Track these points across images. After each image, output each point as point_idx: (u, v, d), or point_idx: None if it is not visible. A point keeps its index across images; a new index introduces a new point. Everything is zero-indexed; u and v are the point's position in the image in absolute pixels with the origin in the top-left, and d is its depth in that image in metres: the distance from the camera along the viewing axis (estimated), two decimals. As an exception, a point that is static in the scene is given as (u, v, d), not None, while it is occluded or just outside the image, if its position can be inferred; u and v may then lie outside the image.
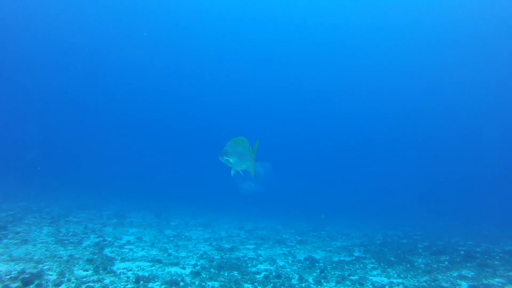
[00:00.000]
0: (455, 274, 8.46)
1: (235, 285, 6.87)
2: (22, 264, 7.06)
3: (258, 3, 37.30)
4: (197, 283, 6.84)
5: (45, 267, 6.93)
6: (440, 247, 11.63)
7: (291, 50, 41.37)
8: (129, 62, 42.00)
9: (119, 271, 7.17)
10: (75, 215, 13.77)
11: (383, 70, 40.70)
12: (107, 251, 8.78)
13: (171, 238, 11.33)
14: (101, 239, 10.10)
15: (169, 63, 43.31)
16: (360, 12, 36.21)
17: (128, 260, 8.14)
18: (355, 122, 43.72)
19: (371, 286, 7.35)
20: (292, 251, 10.62)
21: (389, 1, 34.89)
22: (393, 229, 16.32)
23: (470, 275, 8.35)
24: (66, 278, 6.38)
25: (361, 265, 9.13)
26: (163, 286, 6.50)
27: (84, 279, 6.43)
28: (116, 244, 9.75)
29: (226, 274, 7.60)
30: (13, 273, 6.41)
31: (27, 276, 6.21)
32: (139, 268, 7.57)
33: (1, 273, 6.40)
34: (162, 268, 7.73)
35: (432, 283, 7.61)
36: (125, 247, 9.52)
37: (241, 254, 9.73)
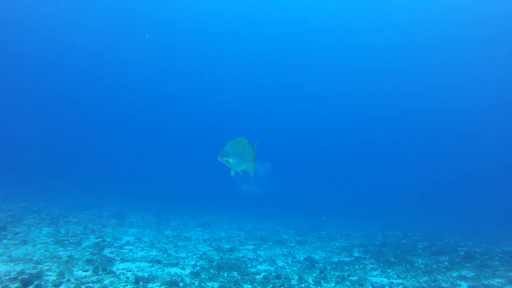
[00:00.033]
0: (454, 274, 8.46)
1: (234, 285, 6.87)
2: (21, 264, 7.05)
3: (258, 3, 37.30)
4: (196, 283, 6.84)
5: (44, 268, 6.93)
6: (440, 248, 11.63)
7: (291, 50, 41.38)
8: (129, 62, 42.02)
9: (119, 271, 7.17)
10: (75, 215, 13.77)
11: (383, 70, 40.72)
12: (106, 252, 8.77)
13: (171, 239, 11.33)
14: (101, 239, 10.09)
15: (169, 63, 43.33)
16: (360, 12, 36.23)
17: (128, 261, 8.14)
18: (355, 122, 43.74)
19: (370, 287, 7.34)
20: (291, 252, 10.61)
21: (389, 1, 34.90)
22: (392, 230, 16.31)
23: (470, 276, 8.35)
24: (65, 279, 6.38)
25: (361, 266, 9.12)
26: (162, 287, 6.49)
27: (84, 280, 6.42)
28: (115, 244, 9.75)
29: (225, 274, 7.59)
30: (12, 273, 6.40)
31: (26, 276, 6.20)
32: (138, 268, 7.56)
33: (1, 273, 6.39)
34: (162, 268, 7.73)
35: (432, 284, 7.61)
36: (125, 247, 9.52)
37: (240, 255, 9.73)
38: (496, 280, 8.03)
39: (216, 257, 9.18)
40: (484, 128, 36.91)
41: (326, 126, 44.39)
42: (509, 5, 31.25)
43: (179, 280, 6.91)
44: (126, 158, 36.24)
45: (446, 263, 9.64)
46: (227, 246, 10.71)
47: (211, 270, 7.84)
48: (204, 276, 7.34)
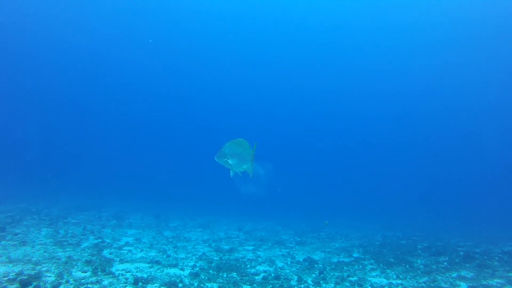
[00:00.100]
0: (454, 274, 8.45)
1: (233, 286, 6.86)
2: (20, 265, 7.05)
3: (258, 3, 37.31)
4: (196, 284, 6.83)
5: (43, 269, 6.92)
6: (440, 248, 11.62)
7: (292, 51, 41.38)
8: (129, 62, 42.01)
9: (118, 272, 7.17)
10: (74, 216, 13.77)
11: (383, 70, 40.71)
12: (105, 253, 8.77)
13: (170, 239, 11.32)
14: (100, 240, 10.09)
15: (169, 63, 43.30)
16: (360, 12, 36.22)
17: (127, 262, 8.13)
18: (355, 122, 43.72)
19: (370, 287, 7.34)
20: (291, 252, 10.61)
21: (389, 1, 34.90)
22: (392, 230, 16.31)
23: (469, 276, 8.34)
24: (64, 280, 6.37)
25: (360, 266, 9.12)
26: (161, 288, 6.49)
27: (83, 281, 6.42)
28: (115, 245, 9.74)
29: (225, 275, 7.59)
30: (11, 274, 6.40)
31: (25, 277, 6.20)
32: (137, 269, 7.56)
33: (-1, 274, 6.39)
34: (161, 269, 7.72)
35: (431, 284, 7.60)
36: (124, 248, 9.51)
37: (240, 255, 9.72)
38: (495, 280, 8.03)
39: (216, 258, 9.18)
40: (484, 128, 36.91)
41: (325, 127, 44.38)
42: (509, 5, 31.26)
43: (178, 281, 6.91)
44: (126, 158, 36.23)
45: (445, 263, 9.63)
46: (226, 247, 10.71)
47: (210, 271, 7.84)
48: (203, 277, 7.33)
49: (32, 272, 6.60)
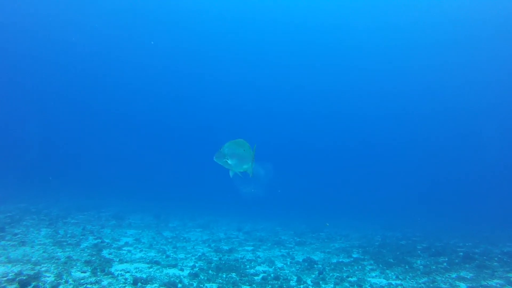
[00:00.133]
0: (453, 275, 8.45)
1: (233, 286, 6.86)
2: (19, 265, 7.05)
3: (258, 3, 37.31)
4: (195, 284, 6.83)
5: (42, 269, 6.92)
6: (439, 248, 11.62)
7: (292, 51, 41.38)
8: (129, 62, 42.02)
9: (117, 272, 7.17)
10: (74, 216, 13.76)
11: (383, 70, 40.70)
12: (105, 253, 8.76)
13: (170, 240, 11.32)
14: (99, 240, 10.09)
15: (169, 63, 43.30)
16: (360, 12, 36.22)
17: (126, 262, 8.13)
18: (355, 122, 43.72)
19: (369, 288, 7.35)
20: (290, 253, 10.61)
21: (389, 1, 34.91)
22: (392, 230, 16.31)
23: (468, 277, 8.34)
24: (63, 280, 6.37)
25: (360, 267, 9.12)
26: (160, 288, 6.49)
27: (82, 281, 6.42)
28: (114, 245, 9.74)
29: (224, 275, 7.59)
30: (10, 275, 6.40)
31: (24, 278, 6.20)
32: (137, 269, 7.56)
33: (-1, 275, 6.39)
34: (160, 269, 7.72)
35: (431, 285, 7.60)
36: (123, 248, 9.51)
37: (239, 256, 9.72)
38: (495, 281, 8.03)
39: (215, 258, 9.18)
40: (484, 128, 36.92)
41: (325, 127, 44.37)
42: (509, 5, 31.26)
43: (177, 281, 6.91)
44: (126, 158, 36.22)
45: (445, 264, 9.63)
46: (226, 247, 10.71)
47: (210, 271, 7.84)
48: (202, 277, 7.33)
49: (31, 272, 6.60)
